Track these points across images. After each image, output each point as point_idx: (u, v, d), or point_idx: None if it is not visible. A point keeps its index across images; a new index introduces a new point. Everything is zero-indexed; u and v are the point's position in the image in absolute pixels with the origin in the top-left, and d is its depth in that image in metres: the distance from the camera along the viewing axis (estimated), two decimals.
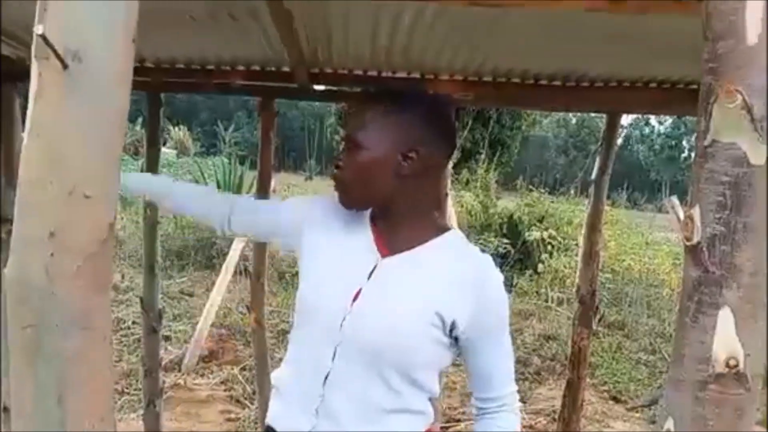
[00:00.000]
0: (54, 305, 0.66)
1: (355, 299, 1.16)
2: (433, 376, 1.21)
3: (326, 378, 1.16)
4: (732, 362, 0.62)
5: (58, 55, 0.62)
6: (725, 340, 0.63)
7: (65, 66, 0.63)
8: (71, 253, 0.66)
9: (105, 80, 0.65)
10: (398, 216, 1.21)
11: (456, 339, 1.17)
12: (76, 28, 0.63)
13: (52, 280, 0.66)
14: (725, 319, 0.63)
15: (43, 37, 0.60)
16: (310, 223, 1.28)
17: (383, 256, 1.20)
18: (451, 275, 1.17)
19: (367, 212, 1.26)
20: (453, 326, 1.15)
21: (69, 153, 0.65)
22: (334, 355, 1.16)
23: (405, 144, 1.16)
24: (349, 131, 1.19)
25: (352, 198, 1.21)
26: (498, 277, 1.20)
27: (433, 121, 1.20)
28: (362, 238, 1.23)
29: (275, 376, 1.30)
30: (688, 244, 0.67)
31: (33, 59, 0.65)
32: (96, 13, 0.66)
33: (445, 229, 1.24)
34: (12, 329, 0.69)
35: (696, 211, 0.67)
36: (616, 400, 4.59)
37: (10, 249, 0.69)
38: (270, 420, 1.27)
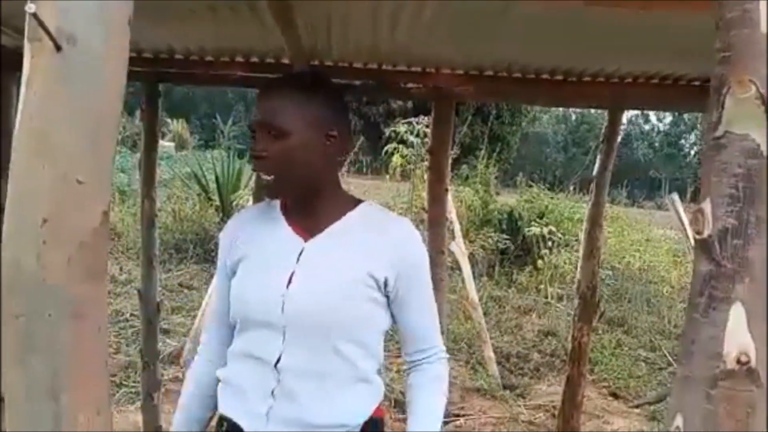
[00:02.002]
0: (46, 294, 0.65)
1: (289, 284, 1.20)
2: (379, 339, 1.27)
3: (278, 361, 1.18)
4: (743, 358, 0.61)
5: (51, 37, 0.59)
6: (737, 335, 0.61)
7: (59, 48, 0.61)
8: (64, 240, 0.64)
9: (100, 63, 0.63)
10: (317, 198, 1.25)
11: (388, 297, 1.24)
12: (70, 8, 0.61)
13: (44, 268, 0.64)
14: (737, 314, 0.61)
15: (36, 16, 0.58)
16: (229, 251, 1.31)
17: (306, 240, 1.24)
18: (375, 239, 1.23)
19: (277, 209, 1.30)
20: (386, 284, 1.21)
21: (62, 138, 0.63)
22: (283, 339, 1.19)
23: (326, 125, 1.21)
24: (270, 118, 1.19)
25: (283, 185, 1.21)
26: (417, 236, 1.28)
27: (341, 101, 1.27)
28: (280, 233, 1.26)
29: (222, 373, 1.29)
30: (698, 237, 0.65)
31: (25, 42, 0.63)
32: None
33: (359, 201, 1.30)
34: (4, 318, 0.67)
35: (707, 204, 0.65)
36: (615, 396, 4.58)
37: (2, 237, 0.67)
38: (223, 410, 1.26)
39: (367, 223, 1.26)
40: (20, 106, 0.64)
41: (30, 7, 0.59)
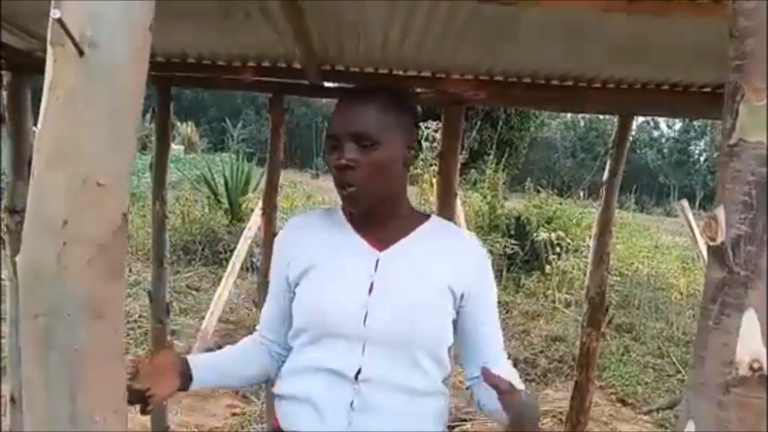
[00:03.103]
0: (66, 294, 0.66)
1: (369, 293, 1.18)
2: (446, 352, 1.25)
3: (358, 373, 1.15)
4: (756, 365, 0.61)
5: (74, 42, 0.61)
6: (749, 342, 0.61)
7: (81, 53, 0.62)
8: (84, 242, 0.65)
9: (121, 67, 0.64)
10: (390, 208, 1.24)
11: (457, 313, 1.23)
12: (93, 14, 0.62)
13: (64, 269, 0.65)
14: (750, 321, 0.62)
15: (60, 21, 0.59)
16: (292, 259, 1.26)
17: (380, 251, 1.22)
18: (449, 253, 1.24)
19: (342, 217, 1.27)
20: (462, 298, 1.21)
21: (83, 141, 0.64)
22: (363, 350, 1.16)
23: (409, 138, 1.23)
24: (363, 129, 1.16)
25: (370, 196, 1.18)
26: (485, 252, 1.31)
27: (416, 115, 1.29)
28: (353, 243, 1.24)
29: (285, 389, 1.24)
30: (711, 244, 0.65)
31: (48, 46, 0.64)
32: None
33: (427, 215, 1.31)
34: (24, 319, 0.68)
35: (720, 211, 0.65)
36: (623, 402, 4.56)
37: (23, 238, 0.68)
38: (292, 426, 1.21)
39: (439, 237, 1.26)
40: (42, 110, 0.65)
41: (55, 13, 0.60)
